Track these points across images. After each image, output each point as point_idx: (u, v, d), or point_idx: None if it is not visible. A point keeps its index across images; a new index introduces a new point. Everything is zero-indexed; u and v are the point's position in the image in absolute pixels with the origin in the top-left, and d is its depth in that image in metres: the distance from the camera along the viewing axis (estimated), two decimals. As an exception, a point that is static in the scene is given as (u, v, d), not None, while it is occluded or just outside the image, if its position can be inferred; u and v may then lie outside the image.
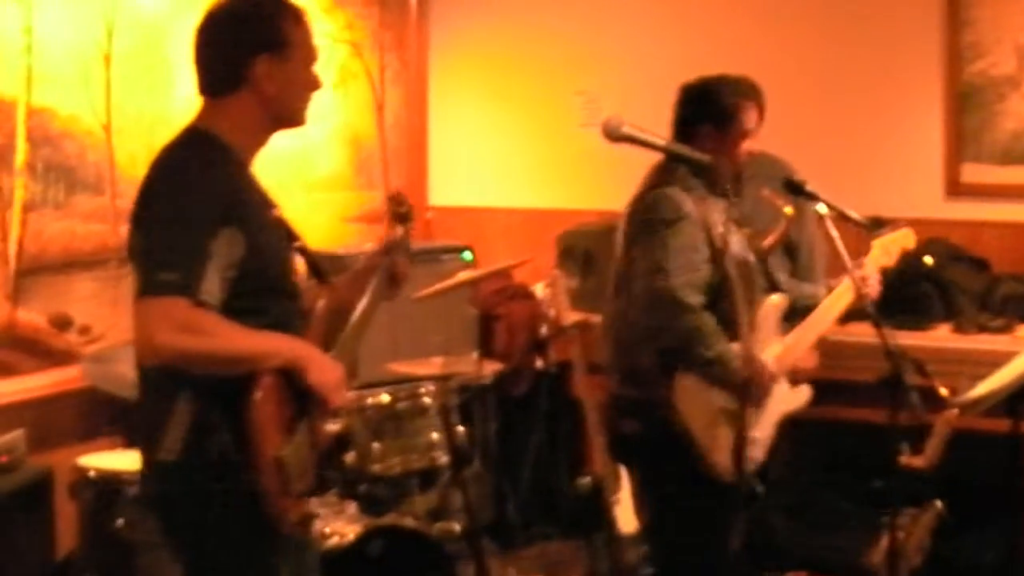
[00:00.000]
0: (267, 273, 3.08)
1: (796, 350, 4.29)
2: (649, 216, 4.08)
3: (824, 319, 4.34)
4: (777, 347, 4.23)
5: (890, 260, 4.48)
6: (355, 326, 3.39)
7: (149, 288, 2.88)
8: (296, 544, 3.18)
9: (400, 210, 3.62)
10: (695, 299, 3.97)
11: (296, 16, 3.17)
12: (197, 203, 2.95)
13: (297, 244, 3.32)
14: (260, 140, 3.20)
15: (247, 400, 2.92)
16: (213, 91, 3.14)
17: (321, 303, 3.32)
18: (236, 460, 2.94)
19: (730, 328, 4.00)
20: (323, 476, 3.34)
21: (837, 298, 4.34)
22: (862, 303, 4.09)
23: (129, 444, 5.05)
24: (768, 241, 4.72)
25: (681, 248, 3.97)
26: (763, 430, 4.22)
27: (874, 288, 4.33)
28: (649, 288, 4.00)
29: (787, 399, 4.33)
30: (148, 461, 3.10)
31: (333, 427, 3.34)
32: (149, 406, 3.09)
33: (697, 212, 4.03)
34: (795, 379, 4.39)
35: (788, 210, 4.52)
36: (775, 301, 4.27)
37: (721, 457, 4.04)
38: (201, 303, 2.87)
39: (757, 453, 4.21)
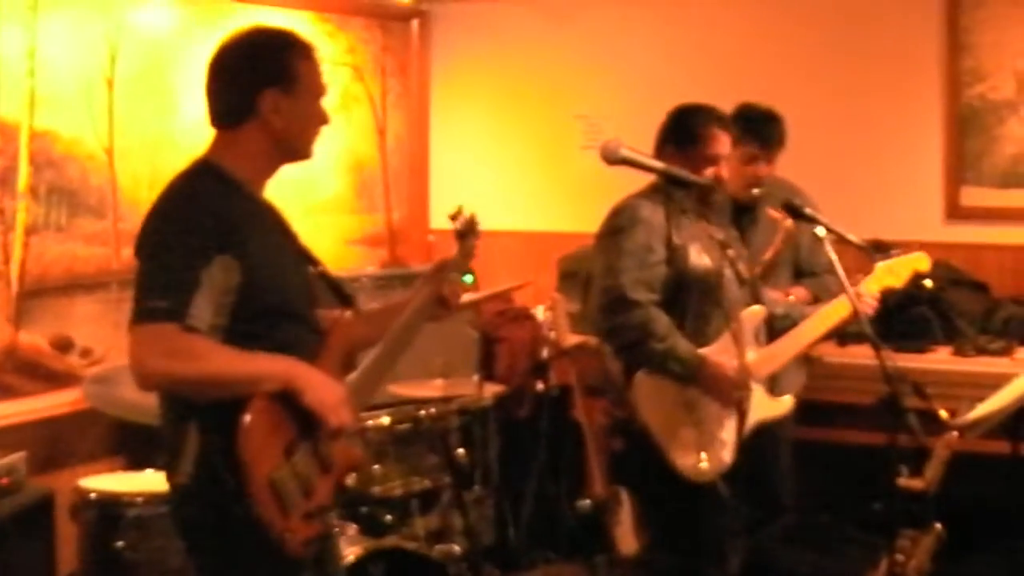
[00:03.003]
0: (268, 299, 3.08)
1: (777, 359, 4.35)
2: (607, 226, 4.26)
3: (811, 331, 4.39)
4: (751, 354, 4.27)
5: (898, 281, 4.51)
6: (390, 344, 3.40)
7: (139, 315, 2.92)
8: (316, 565, 3.20)
9: (458, 227, 3.66)
10: (644, 295, 4.11)
11: (305, 51, 3.21)
12: (190, 231, 2.97)
13: (317, 270, 3.36)
14: (267, 172, 3.24)
15: (237, 423, 2.93)
16: (222, 122, 3.19)
17: (341, 325, 3.32)
18: (233, 483, 2.94)
19: (700, 333, 4.18)
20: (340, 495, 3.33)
21: (828, 312, 4.38)
22: (857, 320, 4.14)
23: (132, 466, 5.07)
24: (768, 255, 4.77)
25: (633, 250, 4.14)
26: (731, 433, 4.24)
27: (869, 306, 4.36)
28: (600, 289, 4.16)
29: (764, 407, 4.37)
30: (169, 484, 3.14)
31: (355, 448, 3.32)
32: (168, 429, 3.12)
33: (657, 219, 4.14)
34: (778, 390, 4.46)
35: (788, 223, 4.58)
36: (753, 311, 4.32)
37: (683, 456, 4.11)
38: (190, 328, 2.89)
39: (725, 455, 4.23)
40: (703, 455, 4.15)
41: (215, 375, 2.94)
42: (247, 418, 2.93)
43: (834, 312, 4.36)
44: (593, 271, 4.32)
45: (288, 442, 3.03)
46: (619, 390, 4.21)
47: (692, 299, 4.20)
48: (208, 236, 2.97)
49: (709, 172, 4.25)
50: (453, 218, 3.66)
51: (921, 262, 4.57)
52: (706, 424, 4.18)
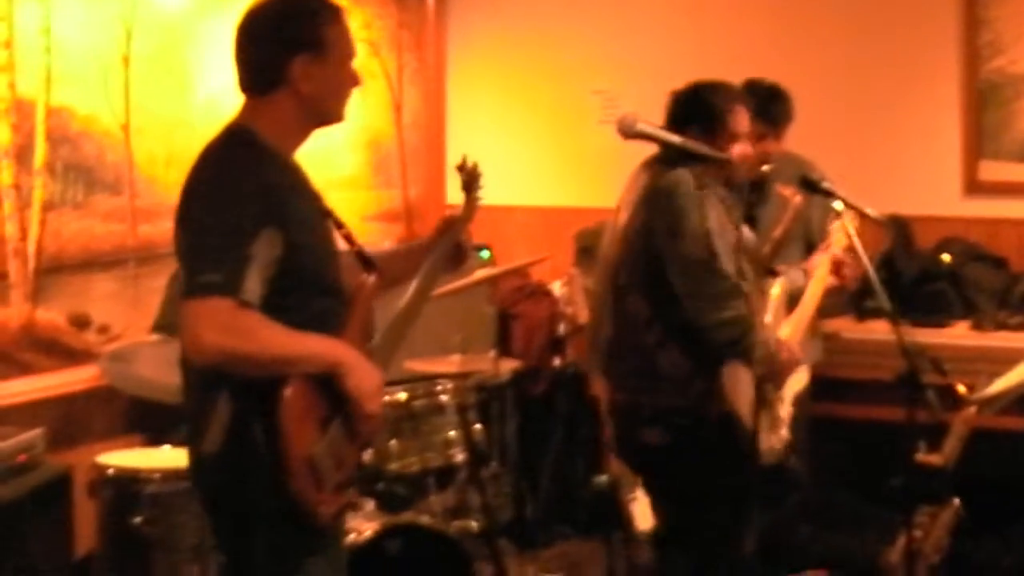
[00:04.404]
0: (306, 270, 3.09)
1: (798, 333, 4.32)
2: (676, 205, 3.96)
3: (811, 300, 4.37)
4: (787, 329, 4.24)
5: (848, 241, 4.50)
6: (411, 302, 3.46)
7: (193, 289, 2.89)
8: (334, 536, 3.24)
9: (465, 179, 3.69)
10: (739, 283, 3.95)
11: (334, 14, 3.19)
12: (238, 204, 2.96)
13: (343, 232, 3.35)
14: (300, 138, 3.22)
15: (277, 398, 2.94)
16: (253, 89, 3.16)
17: (364, 292, 3.30)
18: (268, 456, 2.95)
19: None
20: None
21: (819, 279, 4.39)
22: (843, 283, 4.38)
23: (149, 442, 5.09)
24: (777, 232, 4.75)
25: (717, 231, 3.93)
26: (786, 408, 4.24)
27: (853, 269, 4.38)
28: (703, 280, 3.91)
29: (796, 380, 4.36)
30: (193, 453, 3.14)
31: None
32: (194, 401, 3.12)
33: (712, 195, 4.01)
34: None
35: (797, 200, 4.57)
36: (781, 286, 4.29)
37: (767, 438, 4.05)
38: (245, 303, 2.88)
39: (785, 432, 4.22)
40: (777, 435, 4.13)
41: (269, 353, 2.94)
42: (288, 392, 2.94)
43: (822, 276, 4.39)
44: (628, 253, 4.14)
45: (322, 416, 3.05)
46: (676, 384, 4.06)
47: (748, 280, 4.08)
48: (255, 208, 2.95)
49: (736, 151, 4.16)
50: (460, 168, 3.70)
51: (848, 225, 4.54)
52: (773, 404, 4.14)
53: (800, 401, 4.65)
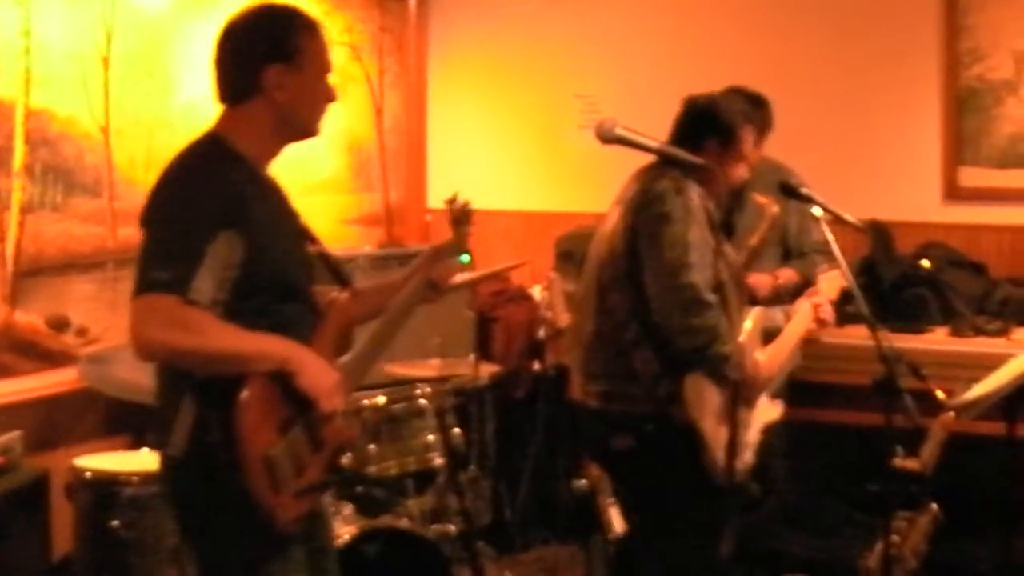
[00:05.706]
0: (271, 276, 3.10)
1: (775, 359, 4.27)
2: (662, 211, 3.95)
3: (790, 337, 4.30)
4: (762, 355, 4.20)
5: (833, 294, 4.47)
6: (384, 326, 3.45)
7: (141, 285, 2.93)
8: (305, 541, 3.22)
9: (454, 214, 3.67)
10: (712, 296, 3.92)
11: (310, 27, 3.22)
12: (195, 206, 2.99)
13: (316, 248, 3.37)
14: (273, 148, 3.24)
15: (234, 400, 2.95)
16: (229, 98, 3.19)
17: (338, 306, 3.33)
18: (225, 456, 2.97)
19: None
20: (333, 473, 3.33)
21: (800, 321, 4.31)
22: (821, 328, 4.26)
23: (127, 445, 5.07)
24: (753, 240, 4.73)
25: (696, 243, 3.90)
26: (753, 435, 4.22)
27: (830, 314, 4.34)
28: (672, 286, 3.89)
29: (768, 410, 4.32)
30: (161, 456, 3.17)
31: (348, 428, 3.34)
32: (162, 403, 3.14)
33: (702, 210, 3.98)
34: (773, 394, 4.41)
35: (774, 209, 4.55)
36: (759, 311, 4.25)
37: (723, 456, 4.03)
38: (190, 301, 2.90)
39: (749, 456, 4.20)
40: (740, 458, 4.10)
41: (212, 350, 2.95)
42: (244, 394, 2.96)
43: (803, 321, 4.32)
44: (612, 257, 4.12)
45: (283, 420, 3.06)
46: (644, 389, 4.05)
47: (729, 297, 4.06)
48: (213, 211, 2.98)
49: (738, 172, 4.15)
50: (449, 203, 3.67)
51: (840, 280, 4.50)
52: (738, 426, 4.11)
53: (771, 432, 4.59)
